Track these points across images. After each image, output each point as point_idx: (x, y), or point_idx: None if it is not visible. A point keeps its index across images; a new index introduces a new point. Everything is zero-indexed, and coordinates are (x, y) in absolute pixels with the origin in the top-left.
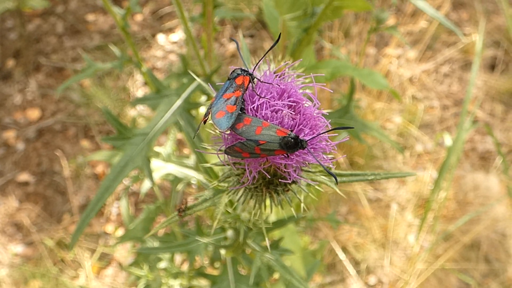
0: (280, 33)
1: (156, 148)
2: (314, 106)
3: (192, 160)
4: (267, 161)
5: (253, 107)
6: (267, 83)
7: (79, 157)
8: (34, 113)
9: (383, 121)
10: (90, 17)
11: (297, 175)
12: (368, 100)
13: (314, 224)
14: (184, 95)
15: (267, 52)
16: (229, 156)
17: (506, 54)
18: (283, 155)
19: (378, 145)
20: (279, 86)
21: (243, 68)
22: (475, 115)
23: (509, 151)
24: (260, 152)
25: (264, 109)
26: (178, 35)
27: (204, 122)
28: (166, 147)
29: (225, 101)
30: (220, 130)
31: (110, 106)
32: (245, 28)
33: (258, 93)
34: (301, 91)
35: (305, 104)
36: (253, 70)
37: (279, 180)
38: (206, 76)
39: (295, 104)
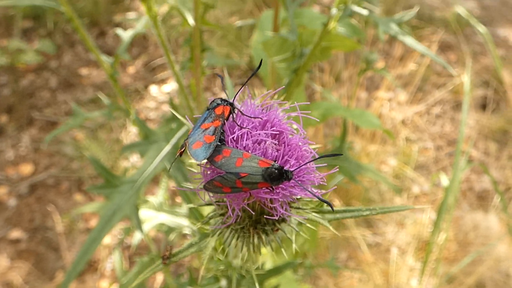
0: (262, 60)
1: (148, 198)
2: (300, 136)
3: (184, 208)
4: (250, 196)
5: (233, 138)
6: (249, 116)
7: (72, 212)
8: (26, 168)
9: (378, 163)
10: (84, 71)
11: (286, 211)
12: (362, 143)
13: (314, 271)
14: (173, 140)
15: (249, 78)
16: (209, 193)
17: (496, 93)
18: (267, 188)
19: (374, 188)
20: (261, 118)
21: (223, 98)
22: (470, 154)
23: (506, 189)
24: (242, 186)
25: (245, 139)
26: (171, 85)
27: (180, 155)
28: (157, 196)
29: (203, 131)
30: (197, 162)
31: (103, 158)
32: (236, 76)
33: (238, 124)
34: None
35: (290, 135)
36: (234, 99)
37: (266, 217)
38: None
39: (279, 134)
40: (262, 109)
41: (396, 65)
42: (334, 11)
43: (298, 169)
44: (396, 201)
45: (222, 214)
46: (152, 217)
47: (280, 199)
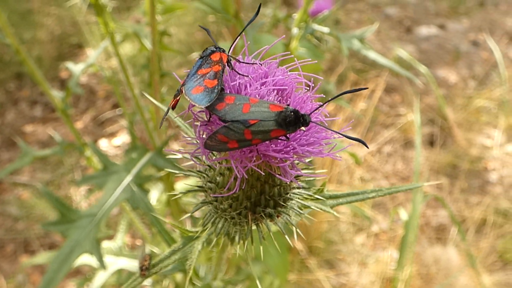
0: (260, 4)
1: (105, 243)
2: (305, 91)
3: (148, 251)
4: (257, 156)
5: (233, 86)
6: (248, 63)
7: (18, 276)
8: None
9: None
10: (28, 128)
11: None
12: (318, 184)
13: None
14: (135, 170)
15: (250, 22)
16: (210, 153)
17: (442, 130)
18: (282, 137)
19: (334, 229)
20: (261, 64)
21: (217, 46)
22: (424, 190)
23: (462, 221)
24: (252, 137)
25: (248, 88)
26: (121, 138)
27: (173, 107)
28: (116, 240)
29: (202, 76)
30: (199, 106)
31: (52, 216)
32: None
33: (240, 72)
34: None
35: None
36: (230, 49)
37: (277, 175)
38: (156, 148)
39: (282, 90)
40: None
41: (345, 107)
42: (295, 30)
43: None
44: (356, 241)
45: (213, 201)
46: (111, 263)
47: (291, 159)
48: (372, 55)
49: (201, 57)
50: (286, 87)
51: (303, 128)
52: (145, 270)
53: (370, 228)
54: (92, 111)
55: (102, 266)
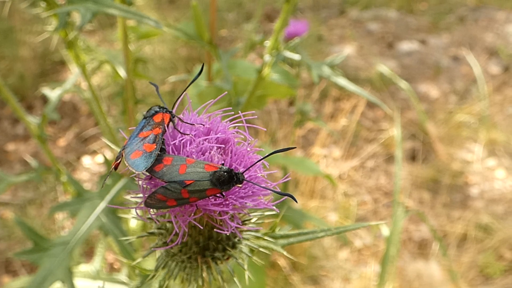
0: (203, 64)
1: (83, 267)
2: (247, 144)
3: (124, 274)
4: (197, 210)
5: (175, 145)
6: (190, 124)
7: None
8: None
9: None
10: (10, 147)
11: (236, 228)
12: (302, 200)
13: None
14: (108, 196)
15: (189, 85)
16: (151, 210)
17: (424, 145)
18: (217, 195)
19: (318, 245)
20: (203, 124)
21: (161, 106)
22: (406, 204)
23: (443, 235)
24: (188, 196)
25: (188, 146)
26: (105, 154)
27: (115, 168)
28: (94, 263)
29: (142, 140)
30: (136, 172)
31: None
32: None
33: (181, 131)
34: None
35: (237, 144)
36: (174, 107)
37: (217, 231)
38: (130, 174)
39: (224, 144)
40: (204, 120)
41: (327, 122)
42: (267, 57)
43: (248, 175)
44: (340, 256)
45: (165, 243)
46: (88, 287)
47: (230, 211)
48: (342, 82)
49: (145, 117)
50: (228, 142)
51: (239, 185)
52: None
53: (354, 243)
54: (75, 128)
55: None
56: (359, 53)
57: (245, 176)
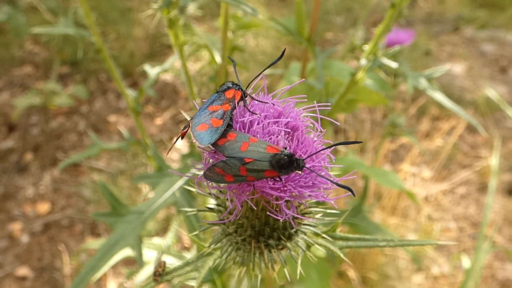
0: (285, 49)
1: (155, 239)
2: (317, 135)
3: (192, 254)
4: (254, 190)
5: (243, 122)
6: (262, 101)
7: (81, 255)
8: (43, 207)
9: None
10: (112, 118)
11: (293, 219)
12: (382, 216)
13: None
14: (188, 174)
15: (269, 66)
16: (210, 183)
17: None
18: (275, 178)
19: (392, 264)
20: (274, 104)
21: (234, 82)
22: (494, 239)
23: None
24: (246, 174)
25: (255, 126)
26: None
27: (182, 137)
28: (166, 239)
29: (210, 113)
30: (199, 146)
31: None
32: None
33: (250, 110)
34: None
35: (307, 134)
36: (248, 87)
37: (269, 214)
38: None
39: (293, 131)
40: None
41: (422, 140)
42: (363, 61)
43: (310, 165)
44: (414, 279)
45: (219, 224)
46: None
47: (287, 198)
48: (438, 97)
49: (217, 92)
50: (297, 129)
51: (298, 171)
52: (158, 276)
53: (431, 269)
54: (173, 110)
55: (141, 262)
56: (468, 73)
57: (308, 166)
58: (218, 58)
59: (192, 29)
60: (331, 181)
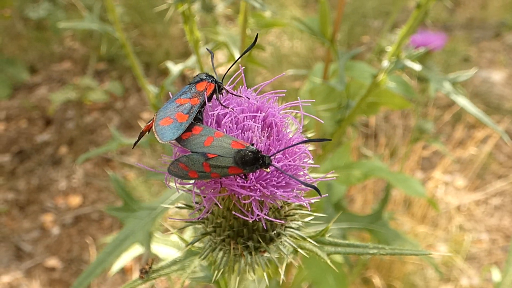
0: (257, 34)
1: (173, 237)
2: (296, 132)
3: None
4: (223, 188)
5: (213, 115)
6: (236, 95)
7: (101, 242)
8: (75, 200)
9: (425, 247)
10: (145, 115)
11: (266, 215)
12: (411, 223)
13: None
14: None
15: (244, 52)
16: (175, 178)
17: None
18: (240, 175)
19: (420, 273)
20: (249, 98)
21: (209, 74)
22: None
23: None
24: (210, 170)
25: (226, 119)
26: None
27: (148, 131)
28: (184, 236)
29: (177, 107)
30: (160, 141)
31: (147, 200)
32: None
33: (222, 103)
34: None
35: (284, 130)
36: (223, 78)
37: (234, 213)
38: None
39: (270, 127)
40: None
41: (455, 148)
42: (385, 63)
43: (283, 164)
44: None
45: (198, 222)
46: (171, 256)
47: (257, 197)
48: (462, 101)
49: (189, 83)
50: (275, 126)
51: (265, 169)
52: (145, 273)
53: (460, 280)
54: None
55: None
56: (508, 81)
57: (281, 165)
58: (236, 56)
59: (215, 28)
60: (298, 180)
